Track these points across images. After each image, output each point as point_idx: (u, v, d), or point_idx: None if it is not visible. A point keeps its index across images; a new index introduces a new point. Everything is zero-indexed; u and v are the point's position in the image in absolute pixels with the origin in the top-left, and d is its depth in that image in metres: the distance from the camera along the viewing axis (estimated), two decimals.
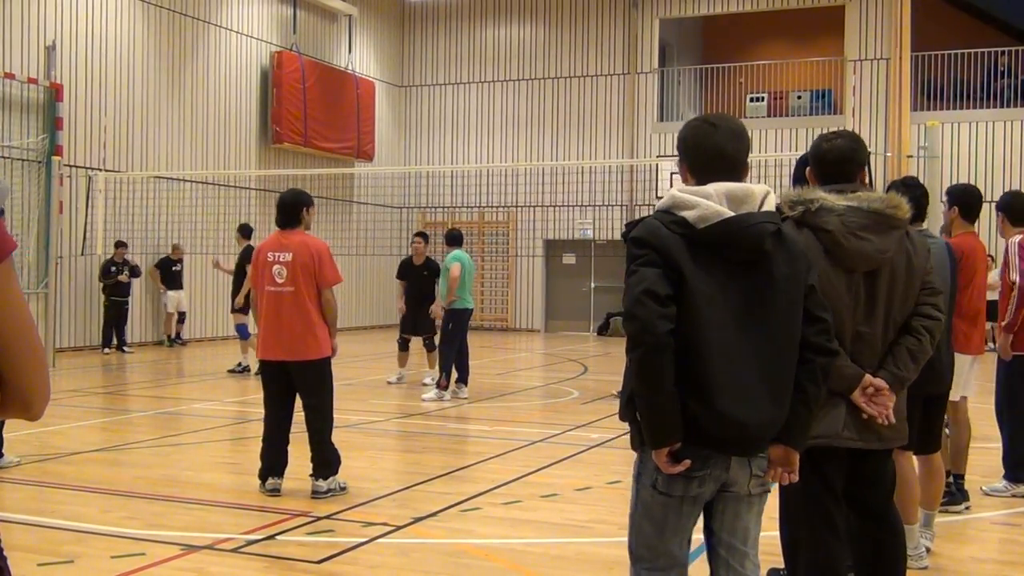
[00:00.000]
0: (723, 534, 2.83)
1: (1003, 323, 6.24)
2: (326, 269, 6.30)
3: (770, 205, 2.74)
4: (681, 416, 2.65)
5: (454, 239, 11.39)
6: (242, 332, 12.89)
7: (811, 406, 2.78)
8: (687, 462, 2.68)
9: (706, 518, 2.88)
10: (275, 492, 6.28)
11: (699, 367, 2.63)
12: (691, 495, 2.75)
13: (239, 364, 13.07)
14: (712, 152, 2.77)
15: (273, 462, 6.35)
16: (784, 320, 2.72)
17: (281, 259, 6.28)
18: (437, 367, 11.24)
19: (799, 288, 2.76)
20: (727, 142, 2.77)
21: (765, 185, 2.80)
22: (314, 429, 6.35)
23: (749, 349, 2.67)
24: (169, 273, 17.17)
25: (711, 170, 2.76)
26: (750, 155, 2.90)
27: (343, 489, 6.33)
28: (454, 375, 11.10)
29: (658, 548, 2.81)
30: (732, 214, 2.66)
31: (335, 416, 6.53)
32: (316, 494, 6.22)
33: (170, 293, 17.18)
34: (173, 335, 17.55)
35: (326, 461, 6.32)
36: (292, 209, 6.40)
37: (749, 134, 2.85)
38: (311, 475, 6.31)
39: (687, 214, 2.67)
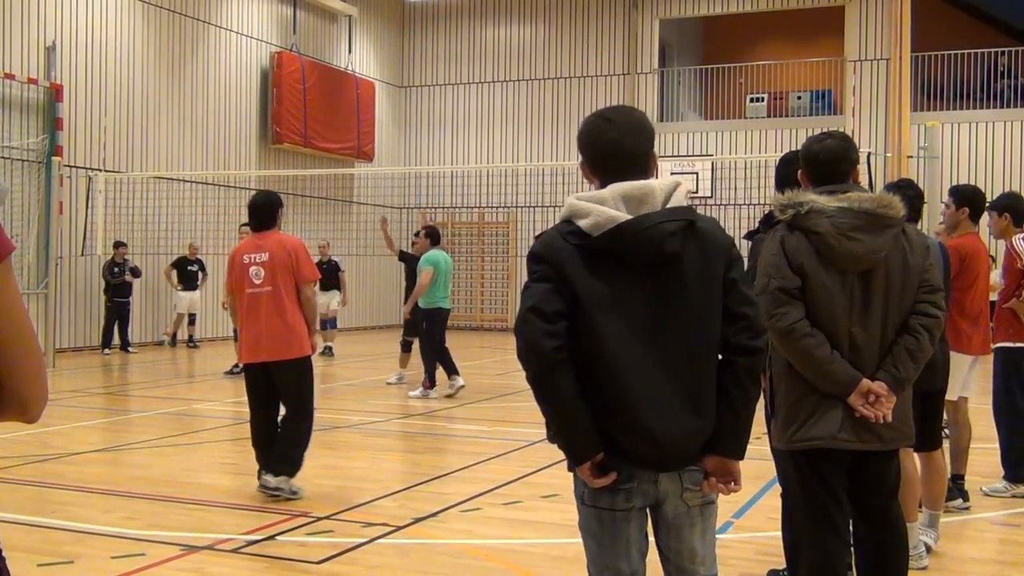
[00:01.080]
0: (670, 554, 2.70)
1: (1019, 299, 6.22)
2: (304, 265, 6.25)
3: (677, 201, 2.56)
4: (596, 430, 2.53)
5: (437, 238, 11.39)
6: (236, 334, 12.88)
7: (739, 411, 2.58)
8: (612, 475, 2.54)
9: (654, 535, 2.73)
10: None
11: (605, 382, 2.51)
12: (620, 508, 2.59)
13: (236, 364, 13.04)
14: (608, 148, 2.63)
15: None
16: (699, 323, 2.55)
17: (258, 260, 6.21)
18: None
19: (715, 286, 2.57)
20: (623, 136, 2.60)
21: (674, 179, 2.64)
22: (290, 427, 6.24)
23: (659, 358, 2.52)
24: (184, 273, 16.83)
25: (609, 167, 2.62)
26: (657, 151, 2.71)
27: (294, 494, 6.10)
28: (442, 372, 11.15)
29: (602, 562, 2.67)
30: (628, 218, 2.51)
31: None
32: (263, 488, 6.06)
33: (182, 294, 16.85)
34: (184, 337, 17.31)
35: (289, 459, 6.14)
36: (266, 211, 6.34)
37: (652, 128, 2.68)
38: (262, 469, 6.13)
39: (582, 223, 2.54)
